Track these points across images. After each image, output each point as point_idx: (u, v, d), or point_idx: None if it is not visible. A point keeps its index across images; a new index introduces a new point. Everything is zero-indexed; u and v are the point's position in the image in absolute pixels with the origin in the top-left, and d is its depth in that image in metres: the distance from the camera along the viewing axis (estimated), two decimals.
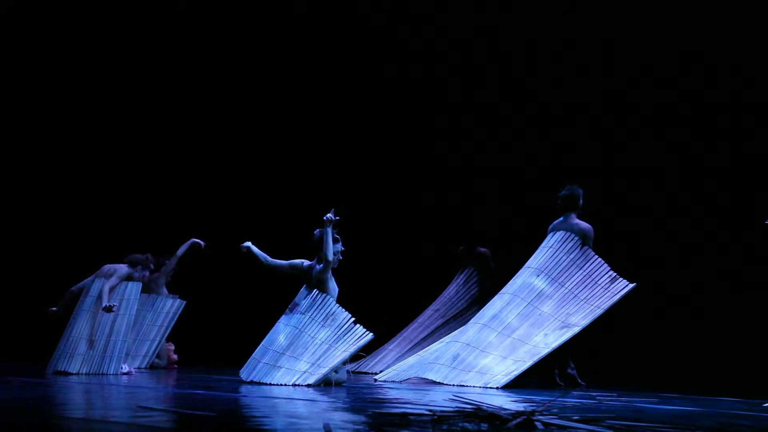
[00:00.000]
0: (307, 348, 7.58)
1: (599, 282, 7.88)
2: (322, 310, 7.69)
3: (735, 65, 9.48)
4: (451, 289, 10.03)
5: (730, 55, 9.50)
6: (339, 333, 7.57)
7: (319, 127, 11.96)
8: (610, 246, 8.19)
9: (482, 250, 9.90)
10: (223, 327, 11.24)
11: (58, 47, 11.81)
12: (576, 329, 7.68)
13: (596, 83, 10.14)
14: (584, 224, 8.05)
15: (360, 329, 7.55)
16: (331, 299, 7.71)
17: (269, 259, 7.94)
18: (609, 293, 7.82)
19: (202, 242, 9.82)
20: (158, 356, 9.89)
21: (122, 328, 8.48)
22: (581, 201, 8.10)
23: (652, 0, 9.96)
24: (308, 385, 7.29)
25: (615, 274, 7.87)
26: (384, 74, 11.54)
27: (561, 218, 8.15)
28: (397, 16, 11.40)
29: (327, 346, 7.55)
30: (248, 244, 7.98)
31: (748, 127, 9.42)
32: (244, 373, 7.73)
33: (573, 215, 8.10)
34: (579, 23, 10.27)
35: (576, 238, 8.00)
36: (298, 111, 12.05)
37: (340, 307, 7.66)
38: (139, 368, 9.45)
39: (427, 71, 11.31)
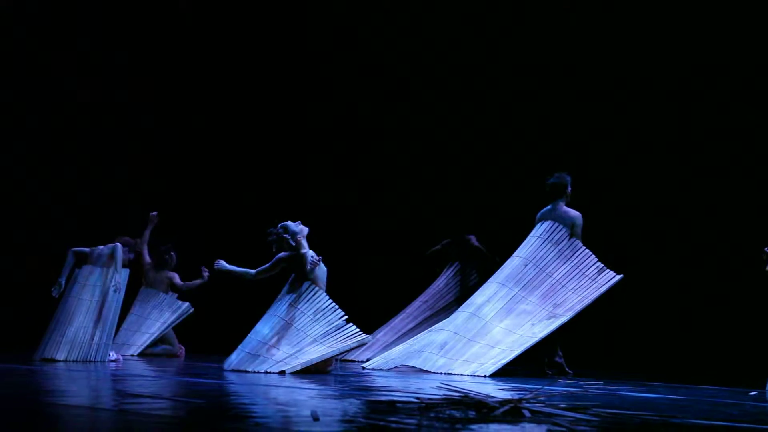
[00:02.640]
0: (290, 340, 7.39)
1: (586, 273, 7.89)
2: (312, 305, 7.52)
3: (734, 64, 9.49)
4: (441, 282, 10.04)
5: (727, 53, 9.50)
6: (329, 329, 7.39)
7: (317, 126, 11.95)
8: (597, 236, 8.19)
9: (468, 237, 9.93)
10: (214, 316, 11.21)
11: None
12: (563, 319, 7.70)
13: (586, 72, 10.15)
14: (573, 212, 8.05)
15: (352, 328, 7.39)
16: (322, 292, 7.56)
17: (250, 271, 7.69)
18: (596, 284, 7.83)
19: (153, 213, 9.83)
20: (165, 341, 9.92)
21: (109, 315, 8.45)
22: (570, 188, 8.10)
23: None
24: (281, 373, 7.10)
25: (602, 265, 7.88)
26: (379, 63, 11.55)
27: (549, 206, 8.15)
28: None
29: (311, 339, 7.36)
30: (221, 263, 7.71)
31: (747, 126, 9.41)
32: (226, 363, 7.61)
33: (561, 203, 8.10)
34: (571, 21, 10.29)
35: (564, 229, 8.00)
36: (290, 104, 12.07)
37: (333, 304, 7.47)
38: (132, 356, 9.50)
39: (417, 61, 11.31)
